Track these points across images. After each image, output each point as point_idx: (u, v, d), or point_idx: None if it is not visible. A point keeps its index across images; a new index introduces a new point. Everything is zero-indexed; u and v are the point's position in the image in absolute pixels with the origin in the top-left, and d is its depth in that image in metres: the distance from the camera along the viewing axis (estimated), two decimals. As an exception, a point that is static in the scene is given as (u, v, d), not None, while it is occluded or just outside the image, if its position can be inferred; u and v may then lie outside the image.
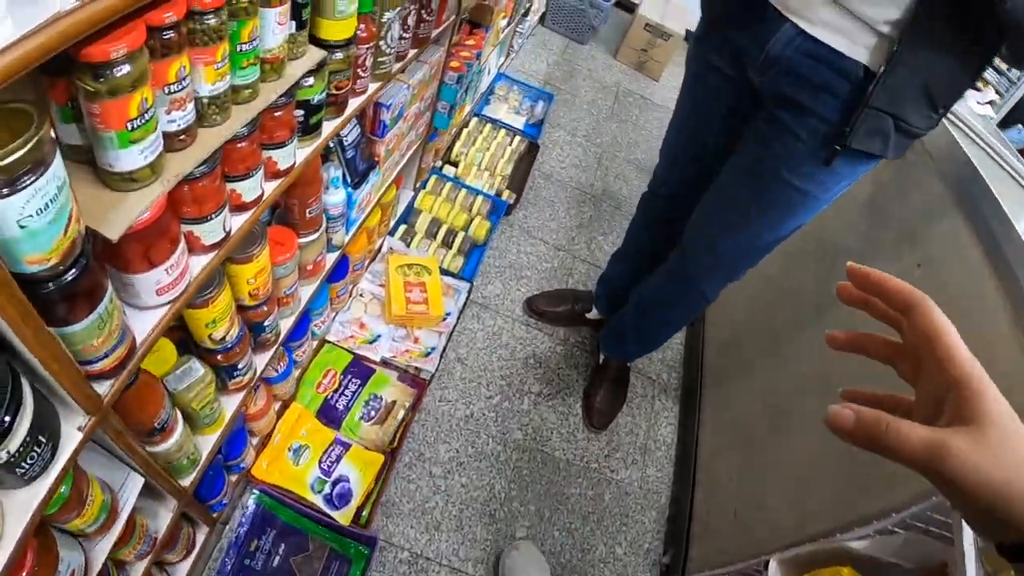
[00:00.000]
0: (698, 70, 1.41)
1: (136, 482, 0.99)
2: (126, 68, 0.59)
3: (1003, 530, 0.38)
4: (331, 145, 1.45)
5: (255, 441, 1.62)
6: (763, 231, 1.37)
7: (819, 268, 1.76)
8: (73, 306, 0.63)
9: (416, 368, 1.89)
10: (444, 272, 2.17)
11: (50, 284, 0.59)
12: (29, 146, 0.50)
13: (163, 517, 1.17)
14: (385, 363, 1.89)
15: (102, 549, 0.93)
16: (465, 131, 2.86)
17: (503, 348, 2.11)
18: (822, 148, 1.16)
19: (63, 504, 0.77)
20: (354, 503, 1.61)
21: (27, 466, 0.64)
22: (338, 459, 1.66)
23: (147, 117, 0.65)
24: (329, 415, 1.75)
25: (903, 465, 0.40)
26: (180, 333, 1.07)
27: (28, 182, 0.51)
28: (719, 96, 1.38)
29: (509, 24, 2.92)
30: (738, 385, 1.91)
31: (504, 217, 2.56)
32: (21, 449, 0.61)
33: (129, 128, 0.64)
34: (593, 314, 2.21)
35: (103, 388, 0.75)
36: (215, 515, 1.42)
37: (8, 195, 0.50)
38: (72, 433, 0.72)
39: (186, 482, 1.16)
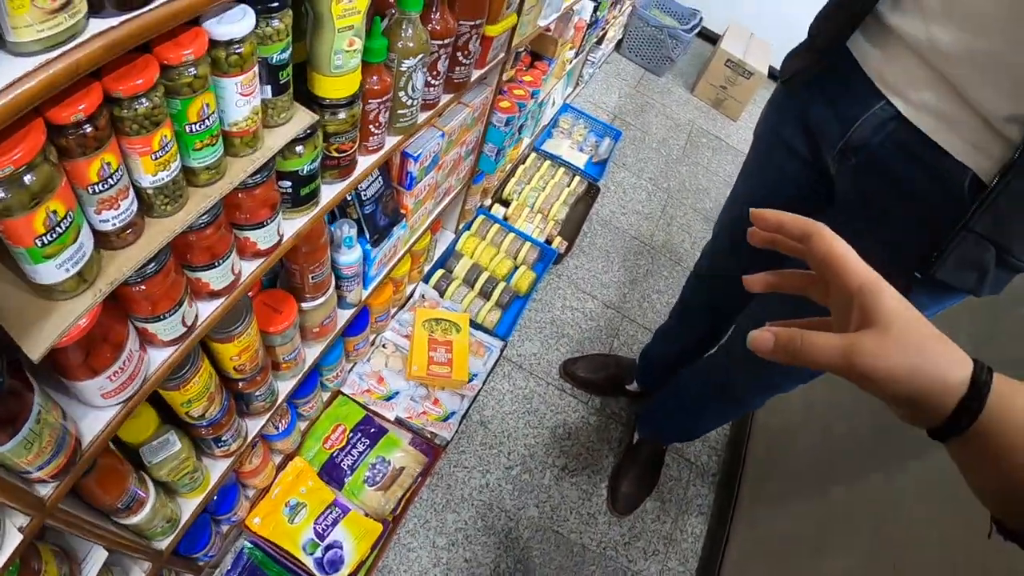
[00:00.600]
0: (766, 143, 1.23)
1: (100, 553, 0.95)
2: (17, 186, 0.51)
3: (926, 415, 0.44)
4: (348, 198, 1.37)
5: (251, 493, 1.57)
6: None
7: None
8: None
9: (432, 433, 1.79)
10: (477, 327, 2.07)
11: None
12: None
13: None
14: (400, 423, 1.79)
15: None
16: (521, 167, 2.76)
17: (532, 414, 1.98)
18: (899, 270, 0.94)
19: None
20: (345, 571, 1.53)
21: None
22: (334, 523, 1.58)
23: (61, 230, 0.57)
24: (332, 474, 1.67)
25: (827, 371, 0.46)
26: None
27: None
28: (786, 179, 1.19)
29: (578, 54, 2.81)
30: (783, 487, 1.74)
31: (553, 267, 2.44)
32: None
33: (38, 245, 0.56)
34: (634, 386, 2.07)
35: (46, 491, 0.72)
36: (201, 564, 1.37)
37: None
38: (13, 534, 0.69)
39: (163, 544, 1.11)
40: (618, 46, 4.04)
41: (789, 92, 1.12)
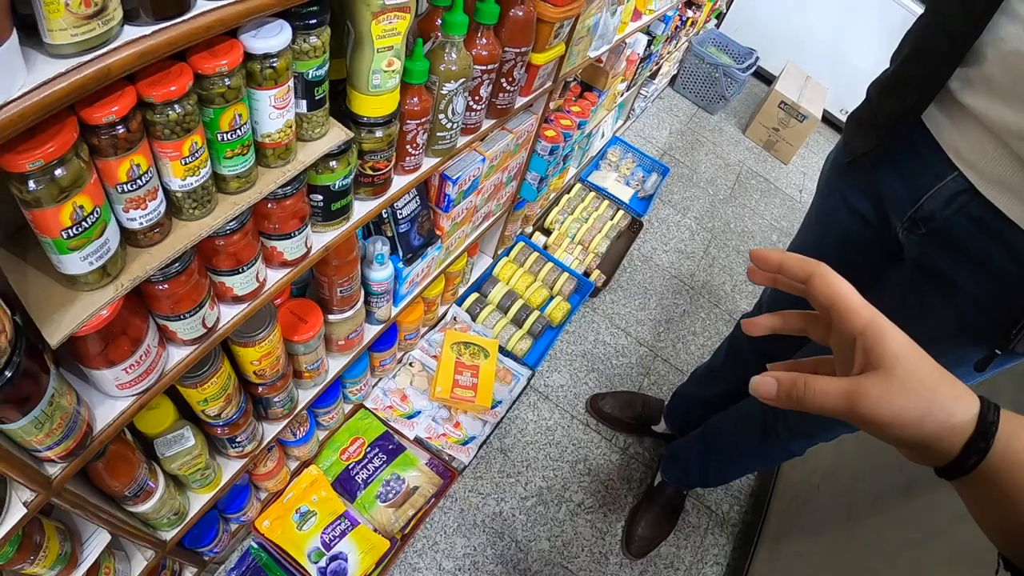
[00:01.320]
0: (831, 204, 1.21)
1: (103, 536, 0.98)
2: (47, 179, 0.54)
3: (933, 456, 0.44)
4: (384, 216, 1.39)
5: (263, 495, 1.59)
6: None
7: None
8: (3, 409, 0.61)
9: (450, 455, 1.79)
10: (506, 354, 2.07)
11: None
12: None
13: (138, 562, 1.15)
14: (419, 442, 1.80)
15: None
16: (566, 197, 2.77)
17: (553, 446, 1.97)
18: (970, 342, 0.94)
19: (10, 559, 0.78)
20: (348, 584, 1.54)
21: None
22: (342, 535, 1.59)
23: (86, 225, 0.60)
24: (346, 485, 1.68)
25: (831, 415, 0.46)
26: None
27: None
28: (851, 242, 1.18)
29: (630, 87, 2.82)
30: (804, 544, 1.69)
31: (589, 300, 2.43)
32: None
33: (64, 237, 0.59)
34: (661, 427, 2.04)
35: (54, 470, 0.74)
36: (206, 559, 1.39)
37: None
38: (17, 507, 0.72)
39: (168, 535, 1.14)
40: (672, 82, 4.04)
41: (857, 162, 1.10)
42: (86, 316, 0.64)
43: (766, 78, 4.48)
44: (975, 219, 0.88)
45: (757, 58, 3.97)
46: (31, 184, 0.53)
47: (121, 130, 0.59)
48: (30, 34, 0.47)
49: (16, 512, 0.71)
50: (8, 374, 0.58)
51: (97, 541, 0.97)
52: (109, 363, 0.74)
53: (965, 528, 1.20)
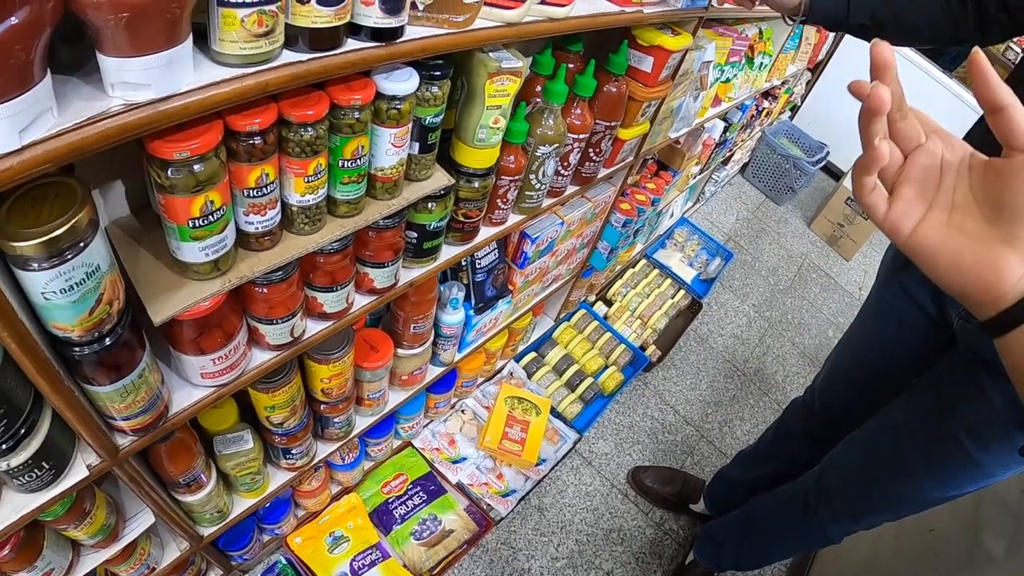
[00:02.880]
0: (891, 293, 1.23)
1: (147, 518, 1.00)
2: (187, 171, 0.58)
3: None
4: (463, 264, 1.43)
5: (300, 513, 1.59)
6: (918, 491, 1.16)
7: (961, 523, 1.45)
8: (96, 373, 0.64)
9: (488, 505, 1.77)
10: (556, 415, 2.06)
11: (74, 349, 0.60)
12: (52, 235, 0.49)
13: (171, 551, 1.16)
14: (460, 488, 1.79)
15: (94, 559, 0.93)
16: (630, 271, 2.78)
17: (590, 512, 1.93)
18: (1019, 428, 0.95)
19: (58, 517, 0.80)
20: (370, 615, 1.52)
21: (24, 481, 0.67)
22: (371, 565, 1.57)
23: (212, 219, 0.64)
24: (383, 518, 1.68)
25: None
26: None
27: (49, 265, 0.51)
28: (908, 331, 1.19)
29: (703, 171, 2.85)
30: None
31: (642, 373, 2.41)
32: (20, 468, 0.65)
33: (190, 226, 0.63)
34: (699, 507, 1.98)
35: (124, 441, 0.77)
36: (234, 564, 1.39)
37: (31, 270, 0.51)
38: (81, 468, 0.74)
39: (207, 531, 1.15)
40: (743, 169, 4.05)
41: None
42: (191, 302, 0.68)
43: (835, 173, 4.44)
44: None
45: (828, 153, 3.96)
46: (171, 172, 0.58)
47: (258, 141, 0.63)
48: (197, 40, 0.52)
49: (78, 473, 0.73)
50: (110, 341, 0.61)
51: (141, 521, 0.99)
52: (200, 351, 0.77)
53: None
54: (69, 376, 0.63)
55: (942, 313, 1.09)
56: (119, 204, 0.76)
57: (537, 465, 1.87)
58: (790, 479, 1.50)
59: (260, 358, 0.90)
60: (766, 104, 3.18)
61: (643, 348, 2.45)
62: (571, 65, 1.21)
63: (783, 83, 3.14)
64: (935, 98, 3.69)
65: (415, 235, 1.02)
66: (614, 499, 1.99)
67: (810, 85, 4.30)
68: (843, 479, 1.30)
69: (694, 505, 1.99)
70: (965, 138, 1.07)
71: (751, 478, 1.73)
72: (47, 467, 0.68)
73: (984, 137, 0.61)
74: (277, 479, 1.27)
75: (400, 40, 0.66)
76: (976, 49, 0.43)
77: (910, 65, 3.78)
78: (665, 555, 1.91)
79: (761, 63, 2.42)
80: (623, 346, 2.37)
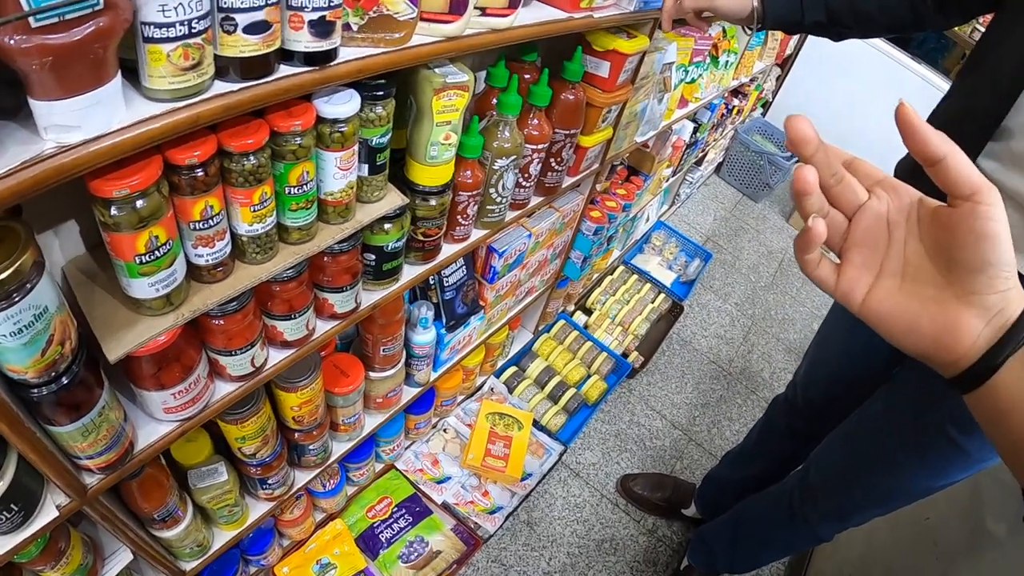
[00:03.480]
0: None
1: (126, 556, 1.00)
2: (129, 207, 0.59)
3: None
4: (431, 282, 1.44)
5: (286, 542, 1.59)
6: (905, 483, 1.17)
7: (958, 509, 1.47)
8: (55, 413, 0.65)
9: (476, 523, 1.77)
10: (540, 428, 2.07)
11: (31, 391, 0.61)
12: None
13: None
14: (446, 507, 1.79)
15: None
16: (608, 278, 2.80)
17: (580, 523, 1.93)
18: None
19: (33, 558, 0.80)
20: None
21: (-6, 524, 0.67)
22: (360, 590, 1.58)
23: (158, 254, 0.65)
24: (369, 543, 1.68)
25: None
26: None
27: (-3, 309, 0.51)
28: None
29: (676, 173, 2.88)
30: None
31: (625, 380, 2.43)
32: (-12, 511, 0.64)
33: (137, 262, 0.64)
34: (691, 511, 1.99)
35: (91, 480, 0.77)
36: None
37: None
38: (51, 509, 0.75)
39: (189, 566, 1.15)
40: (718, 169, 4.11)
41: None
42: (145, 338, 0.69)
43: (811, 166, 4.51)
44: None
45: (802, 146, 4.01)
46: (114, 210, 0.59)
47: (200, 173, 0.64)
48: (128, 77, 0.54)
49: (48, 513, 0.74)
50: (66, 380, 0.62)
51: (119, 559, 0.99)
52: (160, 386, 0.78)
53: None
54: (30, 417, 0.64)
55: None
56: (75, 243, 0.77)
57: (522, 480, 1.88)
58: (778, 478, 1.52)
59: (224, 390, 0.90)
60: (736, 102, 3.22)
61: (625, 355, 2.47)
62: (527, 75, 1.23)
63: (752, 80, 3.19)
64: (906, 85, 3.76)
65: (373, 257, 1.03)
66: (604, 509, 1.99)
67: (780, 80, 4.36)
68: (827, 477, 1.31)
69: (686, 510, 2.01)
70: (903, 160, 1.10)
71: (740, 478, 1.75)
72: (16, 509, 0.69)
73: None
74: (257, 510, 1.27)
75: (335, 62, 0.67)
76: (901, 101, 0.42)
77: (878, 54, 3.86)
78: (660, 562, 1.92)
79: (727, 61, 2.45)
80: (605, 354, 2.38)
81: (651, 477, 2.08)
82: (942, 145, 0.41)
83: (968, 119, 0.93)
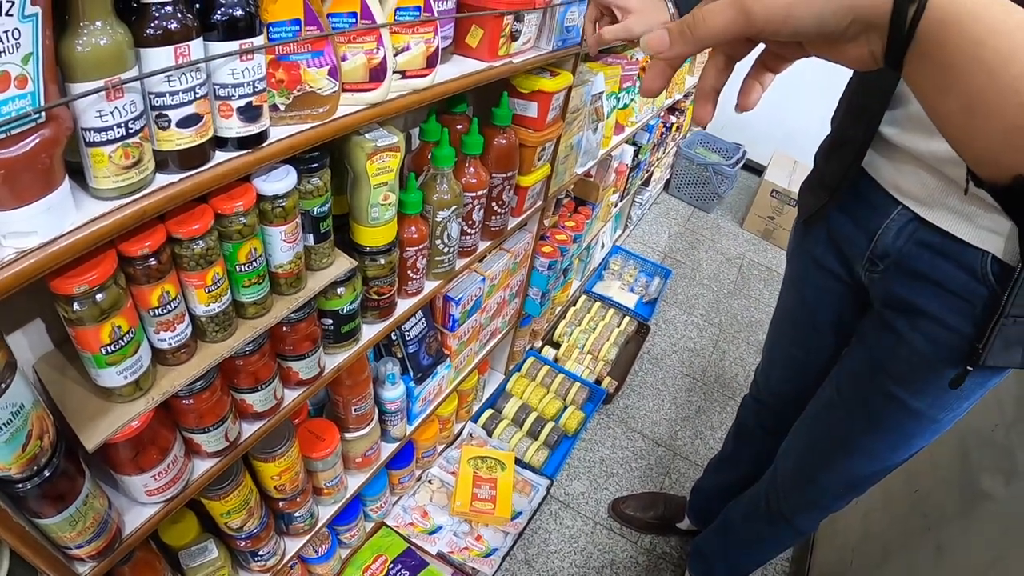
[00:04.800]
0: (801, 264, 1.27)
1: None
2: (90, 301, 0.64)
3: (871, 30, 0.38)
4: (393, 338, 1.48)
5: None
6: (869, 460, 1.19)
7: (954, 476, 1.53)
8: (41, 506, 0.68)
9: (473, 568, 1.79)
10: (524, 466, 2.10)
11: (16, 487, 0.64)
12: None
13: None
14: (441, 557, 1.81)
15: None
16: (572, 309, 2.87)
17: (578, 553, 1.96)
18: (945, 364, 0.97)
19: None
20: None
21: (-8, 620, 0.69)
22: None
23: (123, 343, 0.69)
24: (371, 604, 1.69)
25: (727, 47, 0.45)
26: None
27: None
28: (826, 300, 1.24)
29: (624, 197, 2.97)
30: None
31: (603, 406, 2.48)
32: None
33: (103, 352, 0.68)
34: (685, 524, 2.03)
35: (84, 569, 0.79)
36: None
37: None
38: None
39: None
40: (667, 186, 4.24)
41: (812, 221, 1.20)
42: (120, 425, 0.73)
43: (756, 169, 4.68)
44: (926, 244, 0.96)
45: (744, 152, 4.18)
46: (76, 305, 0.63)
47: (153, 262, 0.69)
48: (76, 178, 0.59)
49: None
50: (48, 473, 0.66)
51: None
52: (139, 470, 0.81)
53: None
54: (17, 512, 0.67)
55: (850, 271, 1.14)
56: (43, 341, 0.81)
57: (513, 519, 1.91)
58: (758, 478, 1.56)
59: (202, 467, 0.94)
60: (674, 119, 3.35)
61: (598, 381, 2.52)
62: (459, 126, 1.30)
63: (686, 96, 3.32)
64: (836, 76, 3.90)
65: (331, 321, 1.08)
66: (599, 535, 2.03)
67: (715, 92, 4.52)
68: (794, 469, 1.35)
69: (680, 524, 2.05)
70: (822, 143, 1.18)
71: (725, 484, 1.78)
72: None
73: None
74: (253, 583, 1.28)
75: (267, 143, 0.73)
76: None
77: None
78: (661, 579, 1.95)
79: (656, 83, 2.55)
80: (578, 384, 2.43)
81: (642, 497, 2.12)
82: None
83: (868, 91, 1.01)
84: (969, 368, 0.95)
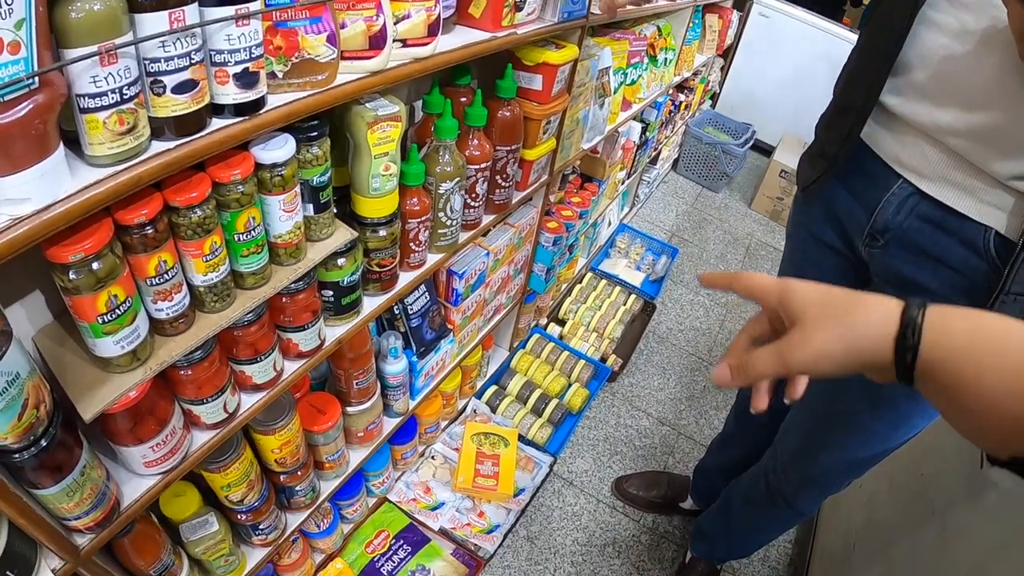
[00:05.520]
0: (800, 240, 1.26)
1: None
2: (86, 270, 0.64)
3: (882, 368, 0.50)
4: (395, 311, 1.49)
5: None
6: (869, 439, 1.18)
7: (960, 460, 1.53)
8: (38, 476, 0.69)
9: (475, 545, 1.81)
10: (527, 443, 2.11)
11: (13, 457, 0.65)
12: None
13: None
14: (443, 533, 1.83)
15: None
16: (578, 287, 2.87)
17: (581, 531, 1.98)
18: None
19: None
20: None
21: (-11, 592, 0.70)
22: (369, 627, 1.60)
23: (119, 312, 0.69)
24: (370, 578, 1.71)
25: (778, 377, 0.56)
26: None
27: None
28: (825, 275, 1.18)
29: (631, 175, 2.96)
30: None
31: (607, 384, 2.48)
32: (-17, 580, 0.68)
33: (100, 322, 0.69)
34: (688, 504, 2.04)
35: (82, 540, 0.80)
36: None
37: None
38: (47, 574, 0.77)
39: None
40: (675, 165, 4.22)
41: (811, 193, 1.18)
42: (117, 395, 0.73)
43: (765, 150, 4.63)
44: (926, 219, 0.94)
45: (754, 132, 4.14)
46: (72, 274, 0.63)
47: (150, 230, 0.69)
48: (72, 147, 0.59)
49: None
50: (44, 443, 0.66)
51: None
52: (137, 440, 0.82)
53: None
54: (15, 483, 0.68)
55: (850, 246, 1.12)
56: (42, 313, 0.81)
57: (516, 496, 1.92)
58: (759, 458, 1.56)
59: (201, 439, 0.94)
60: (682, 97, 3.32)
61: (603, 360, 2.53)
62: (463, 98, 1.29)
63: (695, 74, 3.29)
64: (843, 51, 3.92)
65: (331, 293, 1.08)
66: (602, 514, 2.04)
67: (725, 70, 4.49)
68: (793, 448, 1.34)
69: (683, 503, 2.05)
70: (822, 115, 1.16)
71: (727, 464, 1.79)
72: (11, 575, 0.72)
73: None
74: (254, 557, 1.29)
75: (264, 110, 0.73)
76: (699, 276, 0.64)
77: (813, 30, 4.04)
78: (665, 558, 1.96)
79: (665, 59, 2.53)
80: (583, 361, 2.44)
81: (645, 476, 2.12)
82: (720, 280, 0.62)
83: (871, 60, 0.99)
84: None
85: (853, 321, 0.50)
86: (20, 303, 0.77)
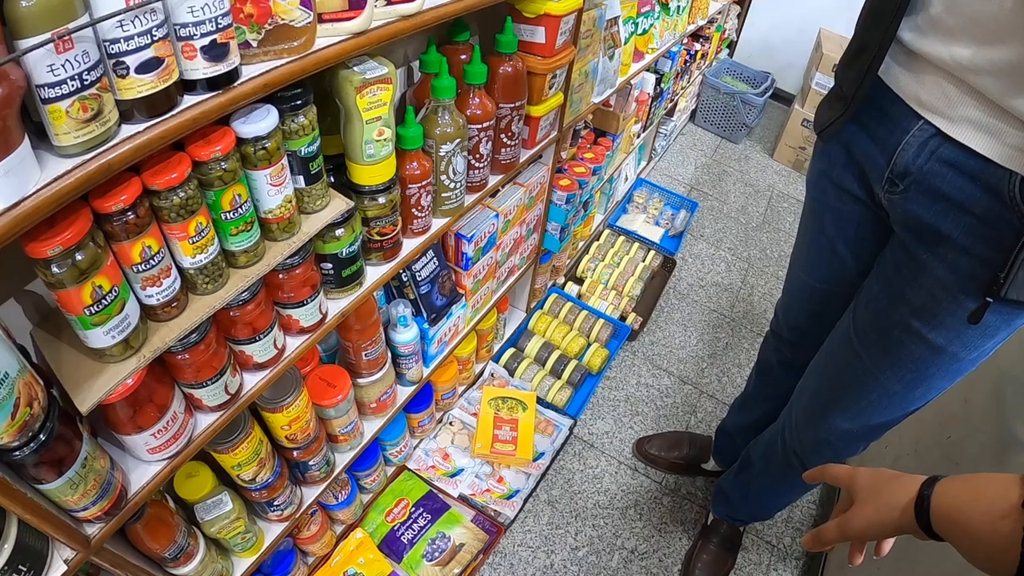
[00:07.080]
0: (820, 189, 1.22)
1: None
2: (68, 263, 0.63)
3: (913, 530, 0.66)
4: (404, 279, 1.48)
5: (311, 560, 1.65)
6: (885, 400, 1.14)
7: (987, 424, 1.50)
8: (40, 471, 0.69)
9: (495, 511, 1.82)
10: (546, 405, 2.11)
11: (13, 455, 0.65)
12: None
13: None
14: (463, 499, 1.84)
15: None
16: (595, 244, 2.84)
17: (602, 494, 1.98)
18: (967, 294, 0.92)
19: None
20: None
21: (6, 586, 0.71)
22: (390, 595, 1.64)
23: (106, 302, 0.69)
24: (392, 547, 1.73)
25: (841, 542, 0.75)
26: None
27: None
28: (845, 221, 1.18)
29: (646, 128, 2.90)
30: (872, 568, 1.64)
31: (627, 343, 2.47)
32: (-1, 574, 0.68)
33: (87, 314, 0.68)
34: (710, 465, 2.03)
35: (93, 529, 0.81)
36: None
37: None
38: (59, 564, 0.79)
39: None
40: (692, 116, 4.13)
41: (830, 140, 1.14)
42: (112, 385, 0.73)
43: (785, 99, 4.51)
44: (949, 163, 0.89)
45: (773, 81, 4.03)
46: (54, 268, 0.62)
47: (131, 216, 0.68)
48: (42, 138, 0.57)
49: (57, 569, 0.78)
50: (43, 438, 0.66)
51: None
52: (138, 428, 0.82)
53: None
54: (18, 479, 0.68)
55: (870, 192, 1.08)
56: (39, 306, 0.81)
57: (535, 460, 1.93)
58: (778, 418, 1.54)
59: (205, 421, 0.94)
60: (698, 47, 3.23)
61: (623, 318, 2.51)
62: (462, 56, 1.26)
63: (711, 22, 3.20)
64: None
65: (330, 265, 1.07)
66: (624, 476, 2.04)
67: (742, 18, 4.36)
68: (808, 407, 1.31)
69: (706, 464, 2.04)
70: (844, 52, 1.12)
71: (749, 423, 1.77)
72: (25, 570, 0.73)
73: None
74: (272, 532, 1.32)
75: (239, 82, 0.70)
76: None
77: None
78: (688, 520, 1.97)
79: (678, 7, 2.46)
80: (602, 321, 2.42)
81: (667, 437, 2.12)
82: (823, 475, 0.84)
83: None
84: (989, 300, 0.89)
85: (887, 498, 0.69)
86: (14, 299, 0.77)
